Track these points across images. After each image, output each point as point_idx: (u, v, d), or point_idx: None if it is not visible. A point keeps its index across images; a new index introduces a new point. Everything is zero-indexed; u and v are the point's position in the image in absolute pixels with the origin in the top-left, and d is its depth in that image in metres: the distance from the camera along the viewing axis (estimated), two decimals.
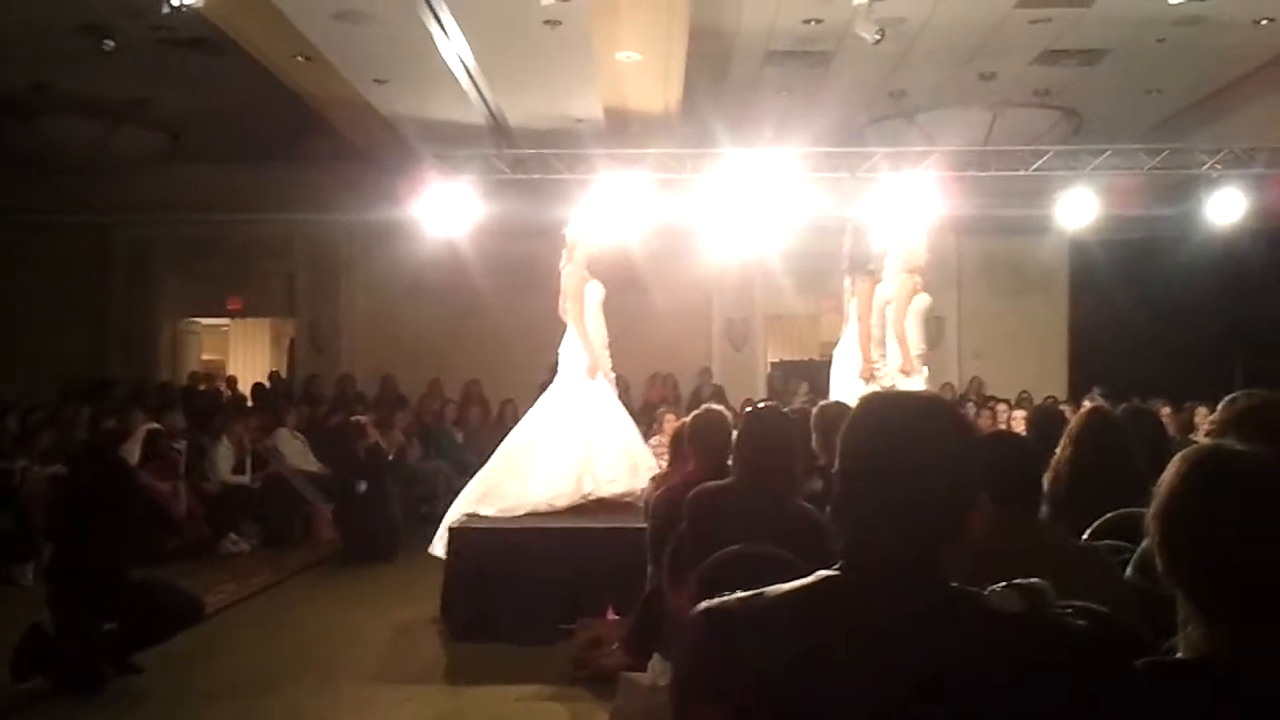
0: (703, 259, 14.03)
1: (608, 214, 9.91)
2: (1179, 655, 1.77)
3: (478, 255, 13.04)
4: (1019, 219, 13.60)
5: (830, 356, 17.93)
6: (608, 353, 9.17)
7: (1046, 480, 4.51)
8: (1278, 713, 1.62)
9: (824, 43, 10.53)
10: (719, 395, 13.83)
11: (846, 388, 8.76)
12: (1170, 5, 9.22)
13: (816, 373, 16.25)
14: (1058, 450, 4.25)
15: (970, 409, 13.09)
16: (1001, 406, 13.25)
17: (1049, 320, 16.50)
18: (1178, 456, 1.94)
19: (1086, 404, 10.85)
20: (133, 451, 8.04)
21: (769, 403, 6.37)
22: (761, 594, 1.86)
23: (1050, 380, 15.71)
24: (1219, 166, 10.84)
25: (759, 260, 14.28)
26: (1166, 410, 11.27)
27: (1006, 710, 1.68)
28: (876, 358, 8.94)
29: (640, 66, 10.26)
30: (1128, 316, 14.78)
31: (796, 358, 17.55)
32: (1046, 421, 5.42)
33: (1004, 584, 1.74)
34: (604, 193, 10.24)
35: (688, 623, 1.96)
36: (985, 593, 1.74)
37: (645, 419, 13.78)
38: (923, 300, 8.97)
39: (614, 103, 11.26)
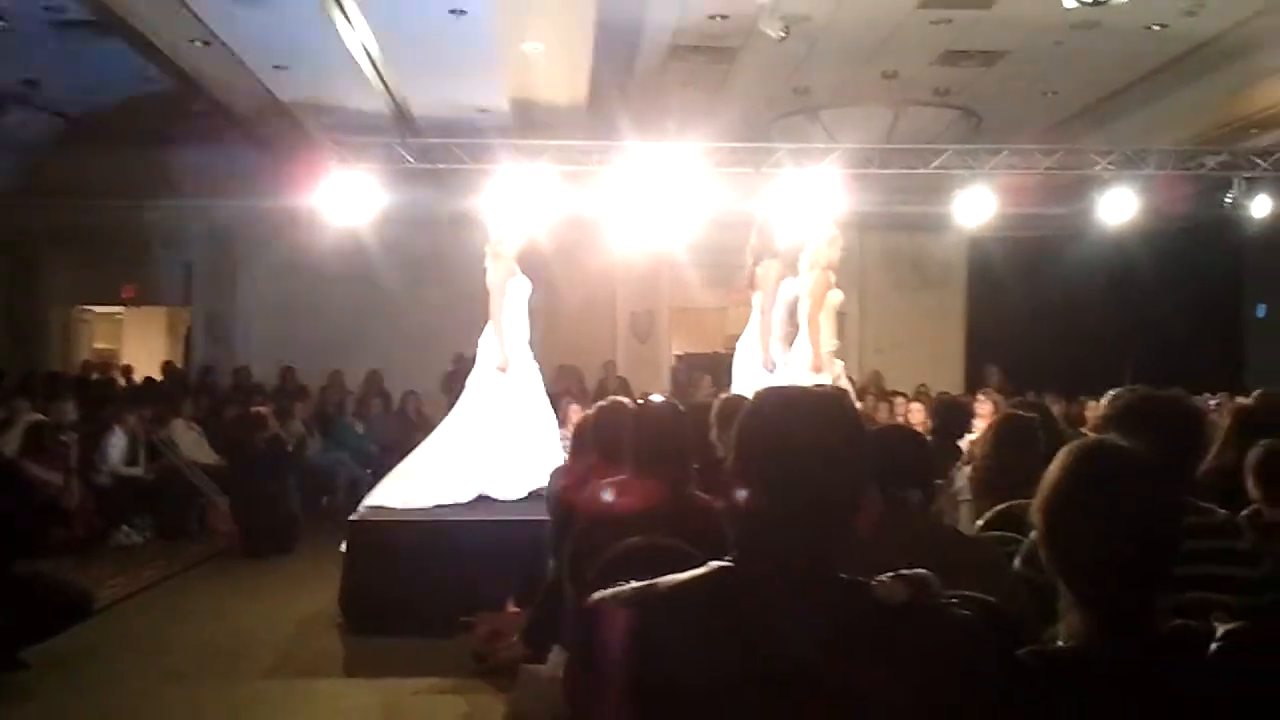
0: (608, 251, 14.05)
1: (521, 206, 9.83)
2: (1060, 643, 1.83)
3: (380, 245, 12.90)
4: (919, 216, 13.83)
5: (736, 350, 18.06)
6: (528, 348, 9.11)
7: (966, 474, 4.63)
8: (1150, 697, 1.67)
9: (729, 39, 10.58)
10: (623, 388, 13.89)
11: (748, 380, 8.78)
12: (1066, 10, 9.43)
13: (721, 366, 16.41)
14: (975, 446, 4.37)
15: (870, 402, 13.27)
16: (900, 399, 13.45)
17: (947, 315, 16.82)
18: (1061, 451, 1.99)
19: (982, 397, 11.15)
20: (12, 443, 7.83)
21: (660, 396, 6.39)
22: (654, 585, 1.87)
23: (948, 374, 16.01)
24: (1111, 167, 11.14)
25: (665, 253, 14.33)
26: (1059, 405, 11.55)
27: (892, 700, 1.71)
28: (780, 350, 8.97)
29: (546, 58, 10.23)
30: (1023, 312, 15.12)
31: (702, 350, 17.66)
32: (949, 413, 5.53)
33: (890, 575, 1.77)
34: (509, 184, 10.19)
35: (581, 614, 1.96)
36: (872, 583, 1.76)
37: (560, 410, 13.79)
38: (835, 296, 8.96)
39: (519, 94, 11.22)
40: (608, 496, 3.95)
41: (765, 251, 9.25)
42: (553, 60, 10.30)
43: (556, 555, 5.05)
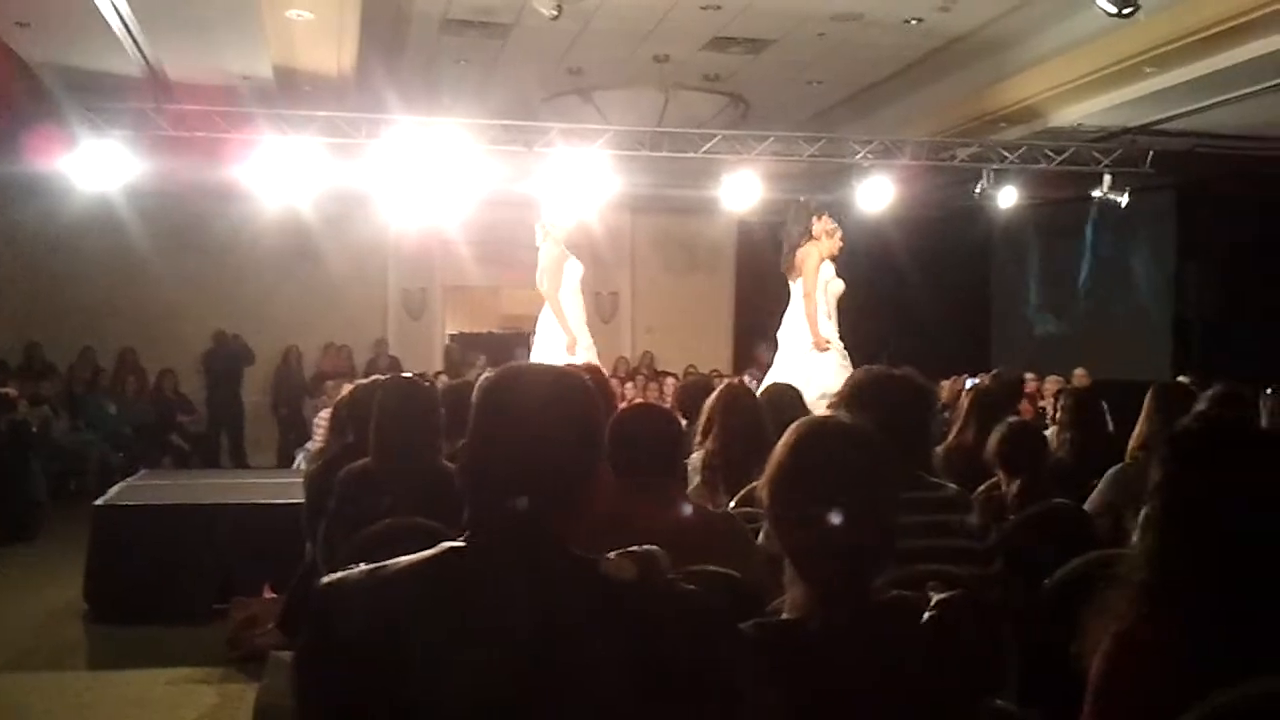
0: (379, 227, 13.77)
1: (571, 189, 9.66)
2: (784, 615, 1.88)
3: (136, 215, 12.30)
4: (690, 199, 14.04)
5: (512, 329, 18.01)
6: (586, 329, 9.17)
7: (700, 454, 4.72)
8: (863, 665, 1.73)
9: (502, 15, 10.48)
10: (395, 367, 13.64)
11: (796, 363, 8.78)
12: (833, 0, 9.72)
13: (496, 345, 16.39)
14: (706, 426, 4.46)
15: (641, 381, 13.45)
16: (670, 380, 13.68)
17: (717, 297, 17.17)
18: (789, 428, 2.04)
19: (748, 377, 11.44)
20: None
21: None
22: (384, 566, 1.83)
23: (717, 355, 16.36)
24: (870, 156, 11.55)
25: (438, 230, 14.15)
26: None
27: (620, 676, 1.72)
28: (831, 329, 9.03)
29: (311, 25, 9.89)
30: (787, 294, 15.53)
31: (476, 330, 17.54)
32: (695, 393, 5.64)
33: (618, 551, 1.78)
34: (272, 154, 9.87)
35: (308, 599, 1.91)
36: (599, 560, 1.77)
37: (317, 390, 13.47)
38: (837, 285, 9.16)
39: (283, 62, 10.82)
40: (359, 478, 3.86)
41: (804, 236, 9.23)
42: (319, 28, 9.96)
43: (312, 539, 4.93)
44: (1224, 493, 1.91)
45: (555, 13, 9.40)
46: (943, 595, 1.85)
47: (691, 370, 14.75)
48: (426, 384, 4.32)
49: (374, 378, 5.31)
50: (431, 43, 11.33)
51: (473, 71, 12.05)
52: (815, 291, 8.96)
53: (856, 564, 1.80)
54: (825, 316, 9.01)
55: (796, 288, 9.17)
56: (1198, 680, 1.74)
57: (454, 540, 1.84)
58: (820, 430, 1.95)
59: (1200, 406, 4.86)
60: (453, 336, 16.94)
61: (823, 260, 9.03)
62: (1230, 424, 2.23)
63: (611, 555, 1.77)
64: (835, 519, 1.77)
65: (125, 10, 9.44)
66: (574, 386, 1.87)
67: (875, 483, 1.88)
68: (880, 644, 1.78)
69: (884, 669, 1.75)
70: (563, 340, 8.96)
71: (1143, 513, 2.04)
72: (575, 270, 9.21)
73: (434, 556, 1.81)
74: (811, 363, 8.70)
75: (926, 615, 1.81)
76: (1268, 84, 10.24)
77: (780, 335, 9.36)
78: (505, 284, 17.60)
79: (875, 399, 3.00)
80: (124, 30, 9.88)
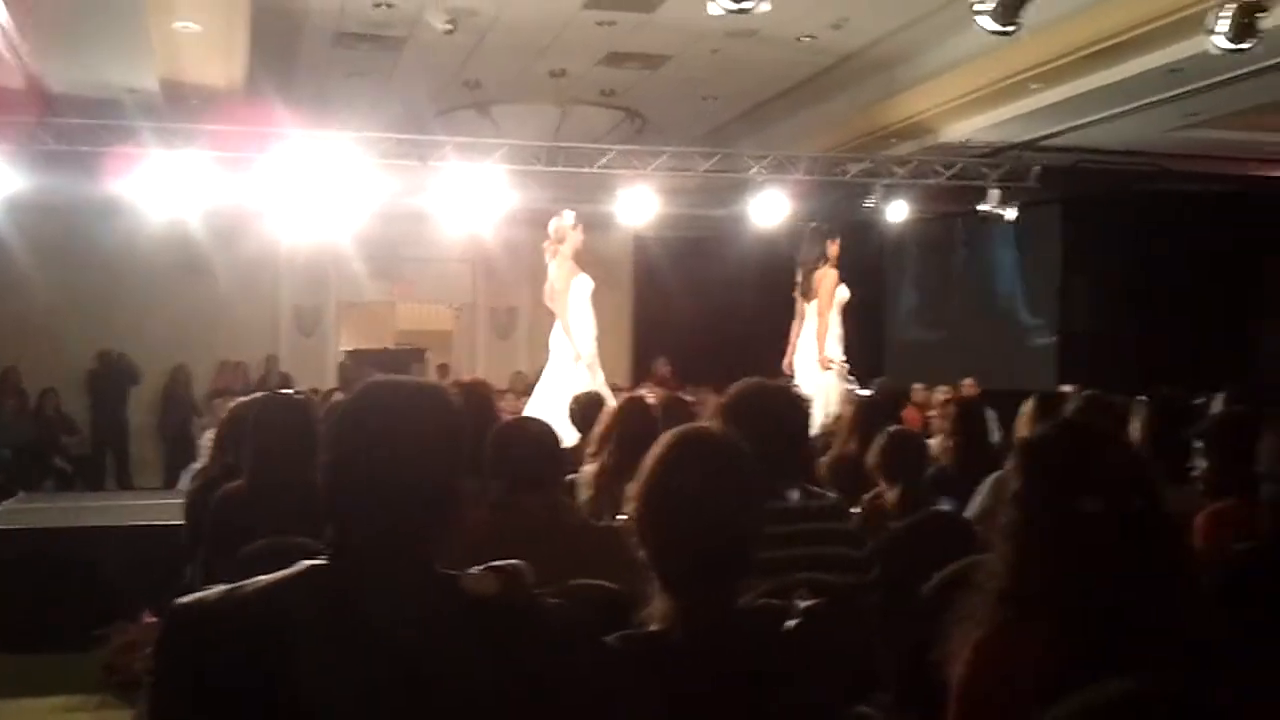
0: (270, 242, 13.55)
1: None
2: (651, 627, 1.87)
3: (16, 230, 11.92)
4: (587, 214, 13.96)
5: (405, 345, 17.84)
6: (595, 344, 9.22)
7: (592, 467, 4.72)
8: (727, 674, 1.73)
9: (396, 28, 10.40)
10: (286, 384, 13.41)
11: (810, 380, 8.95)
12: (725, 17, 9.78)
13: (392, 361, 16.17)
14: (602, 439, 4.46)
15: None
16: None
17: (615, 311, 17.11)
18: (659, 439, 2.04)
19: (645, 390, 11.46)
20: None
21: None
22: (242, 586, 1.79)
23: (615, 369, 16.33)
24: (764, 171, 11.67)
25: (331, 245, 13.96)
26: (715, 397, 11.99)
27: (487, 693, 1.70)
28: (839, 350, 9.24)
29: (199, 37, 9.71)
30: (686, 307, 15.63)
31: (371, 346, 17.32)
32: (582, 409, 5.64)
33: (482, 566, 1.76)
34: (159, 168, 9.67)
35: (161, 622, 1.86)
36: (461, 576, 1.75)
37: (208, 409, 13.20)
38: (843, 293, 9.37)
39: (170, 74, 10.60)
40: (237, 497, 3.78)
41: (820, 259, 9.42)
42: (207, 41, 9.78)
43: (192, 561, 4.82)
44: (1076, 498, 1.95)
45: (449, 26, 9.38)
46: (808, 603, 1.87)
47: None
48: (302, 399, 4.24)
49: (254, 395, 5.19)
50: (324, 56, 11.20)
51: (367, 85, 11.93)
52: (829, 313, 9.26)
53: (718, 573, 1.80)
54: (835, 339, 9.31)
55: (811, 308, 9.45)
56: (1055, 685, 1.77)
57: (315, 559, 1.81)
58: (686, 441, 1.96)
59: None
60: (347, 353, 16.68)
61: (839, 283, 9.33)
62: (1083, 430, 2.28)
63: (474, 570, 1.75)
64: (696, 529, 1.77)
65: (5, 21, 9.18)
66: (437, 401, 1.85)
67: (739, 493, 1.88)
68: (743, 652, 1.78)
69: (748, 677, 1.76)
70: (571, 354, 9.09)
71: (1001, 520, 2.08)
72: (585, 286, 9.33)
73: (294, 575, 1.78)
74: (820, 381, 9.02)
75: (792, 623, 1.82)
76: (1146, 101, 10.56)
77: (796, 357, 9.63)
78: (401, 299, 17.45)
79: (751, 409, 3.03)
80: (4, 42, 9.62)
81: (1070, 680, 1.82)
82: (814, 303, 9.40)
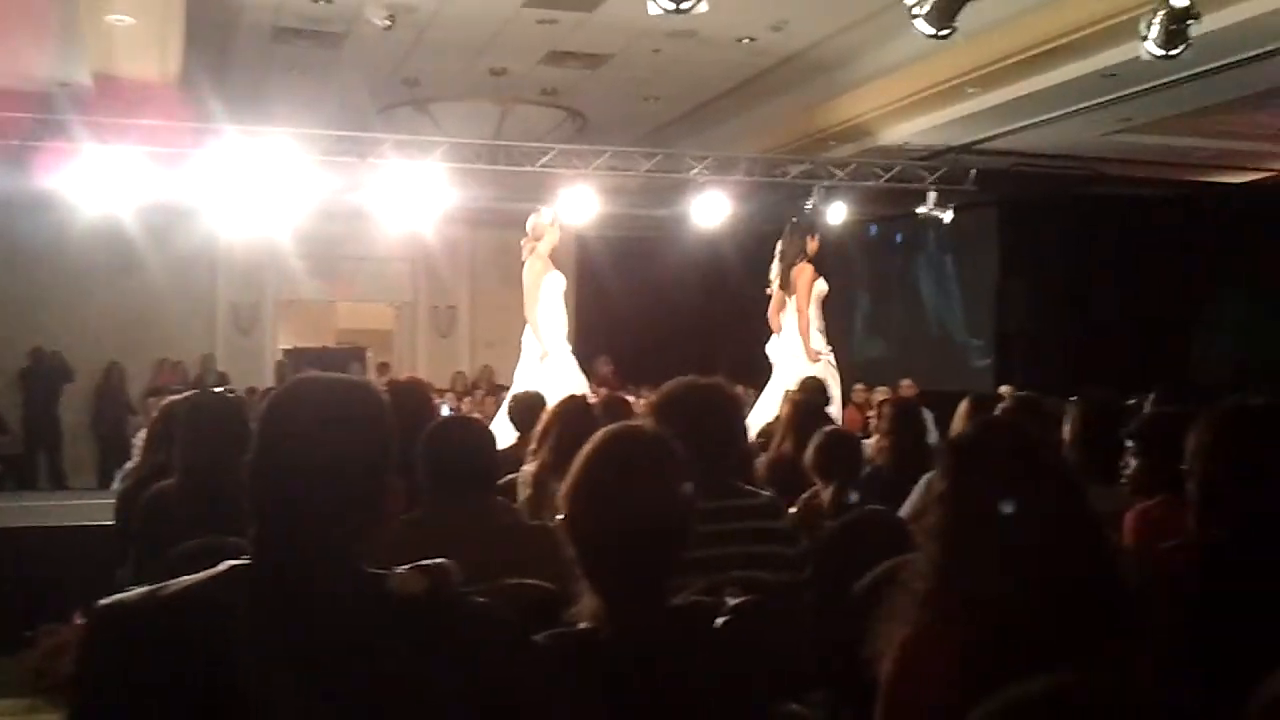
0: (207, 239, 13.39)
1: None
2: (581, 625, 1.87)
3: None
4: (528, 213, 13.98)
5: (345, 344, 17.69)
6: (566, 343, 9.35)
7: (531, 466, 4.70)
8: (656, 672, 1.73)
9: (334, 24, 10.30)
10: (223, 383, 13.25)
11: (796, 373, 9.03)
12: (665, 17, 9.78)
13: (331, 361, 16.04)
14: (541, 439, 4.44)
15: (479, 396, 13.35)
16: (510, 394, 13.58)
17: None
18: (592, 438, 2.04)
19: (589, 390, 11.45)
20: None
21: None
22: (165, 587, 1.77)
23: None
24: (705, 172, 11.69)
25: (270, 242, 13.82)
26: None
27: (412, 691, 1.69)
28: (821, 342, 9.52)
29: (133, 31, 9.56)
30: (628, 307, 15.64)
31: (309, 345, 17.17)
32: (522, 409, 5.63)
33: (409, 566, 1.75)
34: (91, 163, 9.52)
35: (84, 624, 1.83)
36: (388, 575, 1.73)
37: (145, 408, 13.00)
38: (821, 286, 9.71)
39: (103, 69, 10.44)
40: (164, 498, 3.72)
41: (799, 255, 9.69)
42: (141, 34, 9.63)
43: (123, 562, 4.74)
44: (1000, 497, 1.97)
45: (388, 23, 9.30)
46: (737, 600, 1.87)
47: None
48: (234, 397, 4.19)
49: (186, 393, 5.12)
50: (261, 51, 11.07)
51: (305, 81, 11.81)
52: (809, 308, 9.49)
53: (645, 571, 1.80)
54: (817, 331, 9.55)
55: (792, 303, 9.69)
56: (981, 683, 1.79)
57: (240, 559, 1.78)
58: (615, 439, 1.95)
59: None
60: (286, 352, 16.53)
61: (816, 277, 9.55)
62: (1006, 430, 2.30)
63: (401, 569, 1.74)
64: (622, 526, 1.77)
65: None
66: (363, 398, 1.84)
67: (667, 491, 1.88)
68: (672, 650, 1.78)
69: (675, 675, 1.76)
70: (539, 351, 9.21)
71: (929, 519, 2.09)
72: (557, 283, 9.46)
73: (216, 576, 1.76)
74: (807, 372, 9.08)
75: (720, 620, 1.82)
76: (1081, 105, 10.72)
77: (772, 349, 9.94)
78: (341, 298, 17.31)
79: (683, 407, 3.03)
80: None
81: (996, 678, 1.84)
82: (794, 298, 9.66)
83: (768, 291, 9.93)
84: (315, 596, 1.71)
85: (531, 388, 8.89)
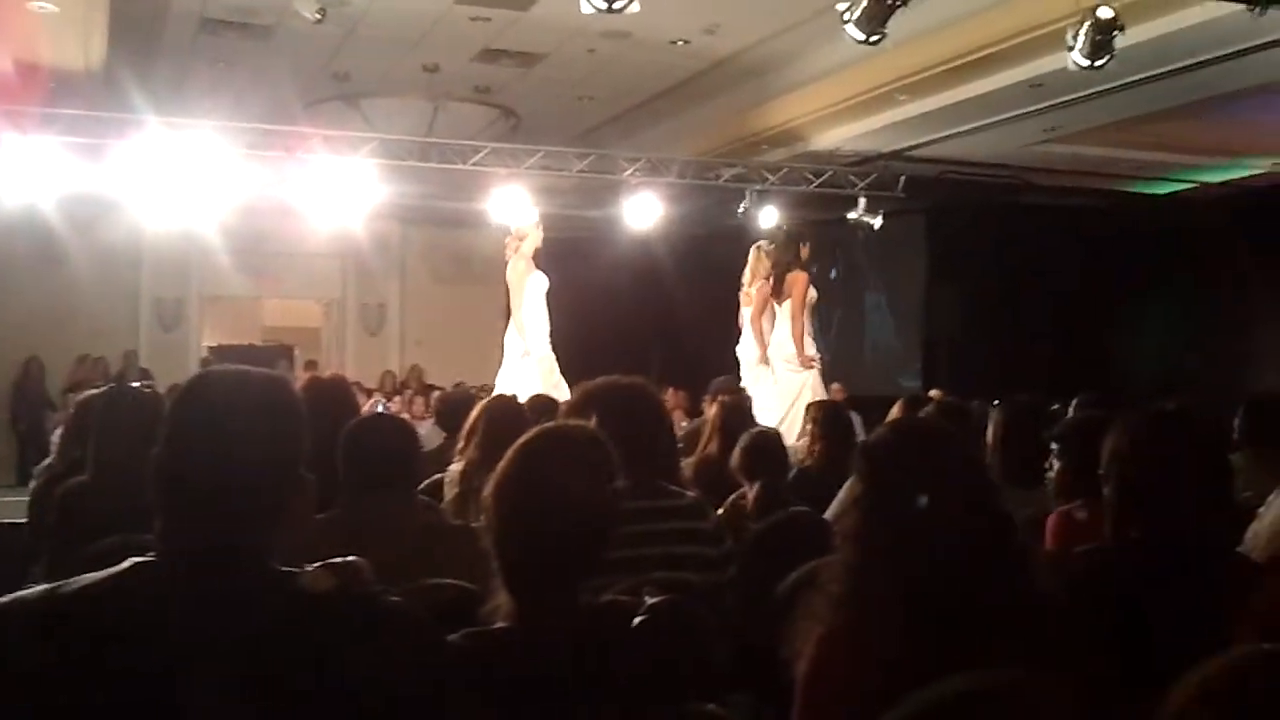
0: (131, 232, 13.15)
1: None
2: (498, 625, 1.85)
3: None
4: (461, 211, 13.89)
5: (272, 341, 17.46)
6: (549, 342, 9.49)
7: (458, 465, 4.66)
8: (569, 671, 1.72)
9: (263, 16, 10.16)
10: (146, 380, 13.03)
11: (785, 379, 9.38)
12: (599, 17, 9.76)
13: (257, 358, 15.82)
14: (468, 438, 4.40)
15: (408, 395, 13.25)
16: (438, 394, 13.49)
17: (489, 310, 16.99)
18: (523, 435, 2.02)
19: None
20: None
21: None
22: (64, 585, 1.72)
23: (489, 369, 16.19)
24: (638, 174, 11.69)
25: (195, 236, 13.59)
26: None
27: (320, 690, 1.65)
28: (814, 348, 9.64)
29: (56, 19, 9.36)
30: (560, 307, 15.56)
31: (235, 342, 16.93)
32: (449, 408, 5.59)
33: (318, 564, 1.71)
34: (7, 153, 9.31)
35: None
36: (296, 573, 1.70)
37: (65, 404, 12.73)
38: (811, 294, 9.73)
39: (26, 56, 10.22)
40: (79, 494, 3.63)
41: (794, 261, 9.71)
42: (64, 22, 9.43)
43: (38, 560, 4.63)
44: (912, 498, 1.98)
45: (318, 16, 9.16)
46: (654, 600, 1.86)
47: (461, 385, 14.59)
48: (150, 393, 4.10)
49: (104, 388, 5.01)
50: (188, 42, 10.90)
51: (234, 74, 11.64)
52: (802, 315, 9.56)
53: (559, 570, 1.78)
54: (810, 338, 9.67)
55: (783, 310, 9.71)
56: (895, 684, 1.79)
57: (142, 557, 1.74)
58: (538, 438, 1.94)
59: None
60: (210, 349, 16.28)
61: (808, 285, 9.62)
62: (919, 432, 2.31)
63: (311, 568, 1.70)
64: (536, 524, 1.75)
65: None
66: (273, 392, 1.80)
67: (584, 491, 1.86)
68: (584, 649, 1.76)
69: (587, 675, 1.74)
70: (521, 349, 9.37)
71: (845, 521, 2.10)
72: (540, 284, 9.60)
73: (120, 574, 1.71)
74: (801, 380, 9.37)
75: (636, 620, 1.80)
76: (1009, 114, 10.86)
77: (743, 350, 9.98)
78: (268, 294, 17.08)
79: (605, 408, 3.01)
80: None
81: (910, 679, 1.84)
82: (786, 304, 9.71)
83: (746, 293, 9.99)
84: (221, 594, 1.67)
85: (513, 387, 9.00)
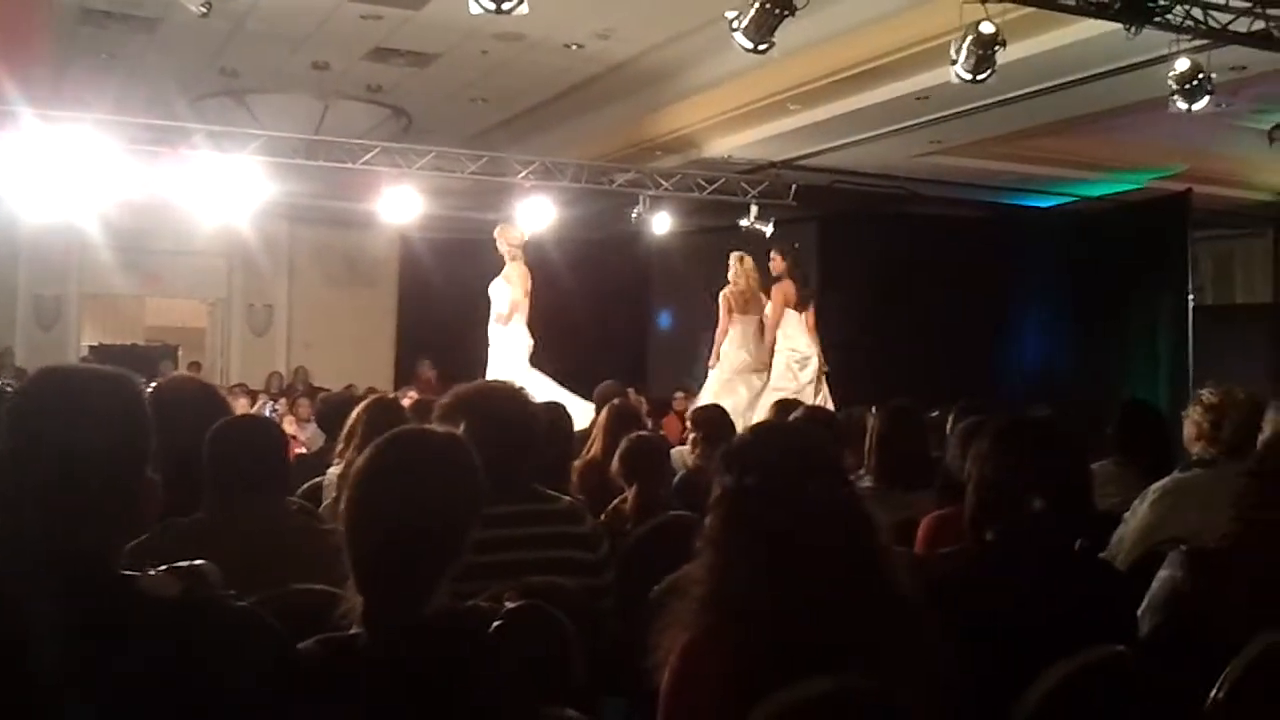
0: (7, 226, 12.74)
1: None
2: (352, 630, 1.82)
3: None
4: (350, 211, 13.71)
5: (159, 341, 17.04)
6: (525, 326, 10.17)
7: (337, 468, 4.58)
8: (420, 678, 1.70)
9: (147, 7, 9.92)
10: (19, 379, 12.63)
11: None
12: (492, 18, 9.69)
13: (139, 358, 15.43)
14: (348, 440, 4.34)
15: (295, 397, 13.03)
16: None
17: (379, 312, 16.86)
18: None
19: (410, 392, 11.31)
20: None
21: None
22: None
23: (378, 371, 16.05)
24: (532, 177, 11.64)
25: (75, 232, 13.20)
26: None
27: (163, 697, 1.61)
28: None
29: None
30: (453, 310, 15.44)
31: (117, 341, 16.49)
32: (329, 410, 5.51)
33: (164, 568, 1.67)
34: None
35: None
36: (140, 577, 1.65)
37: None
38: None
39: None
40: None
41: (792, 271, 10.22)
42: None
43: None
44: (769, 502, 1.99)
45: (204, 9, 8.96)
46: (512, 605, 1.84)
47: (351, 388, 14.39)
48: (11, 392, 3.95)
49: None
50: (69, 33, 10.60)
51: (117, 66, 11.36)
52: (778, 322, 10.14)
53: (409, 570, 1.76)
54: (804, 342, 10.25)
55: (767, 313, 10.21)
56: (757, 687, 1.81)
57: None
58: (393, 440, 1.91)
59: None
60: (91, 348, 15.83)
61: (796, 295, 10.14)
62: (775, 435, 2.33)
63: (154, 572, 1.66)
64: (384, 526, 1.73)
65: None
66: (114, 390, 1.75)
67: (437, 492, 1.84)
68: (433, 654, 1.74)
69: (435, 679, 1.72)
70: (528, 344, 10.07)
71: (705, 525, 2.10)
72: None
73: None
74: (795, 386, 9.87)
75: (493, 626, 1.79)
76: (896, 126, 11.06)
77: (728, 349, 10.41)
78: (151, 293, 16.68)
79: (478, 411, 2.98)
80: None
81: (771, 681, 1.86)
82: (769, 308, 10.15)
83: (726, 295, 10.34)
84: (55, 598, 1.61)
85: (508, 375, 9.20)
